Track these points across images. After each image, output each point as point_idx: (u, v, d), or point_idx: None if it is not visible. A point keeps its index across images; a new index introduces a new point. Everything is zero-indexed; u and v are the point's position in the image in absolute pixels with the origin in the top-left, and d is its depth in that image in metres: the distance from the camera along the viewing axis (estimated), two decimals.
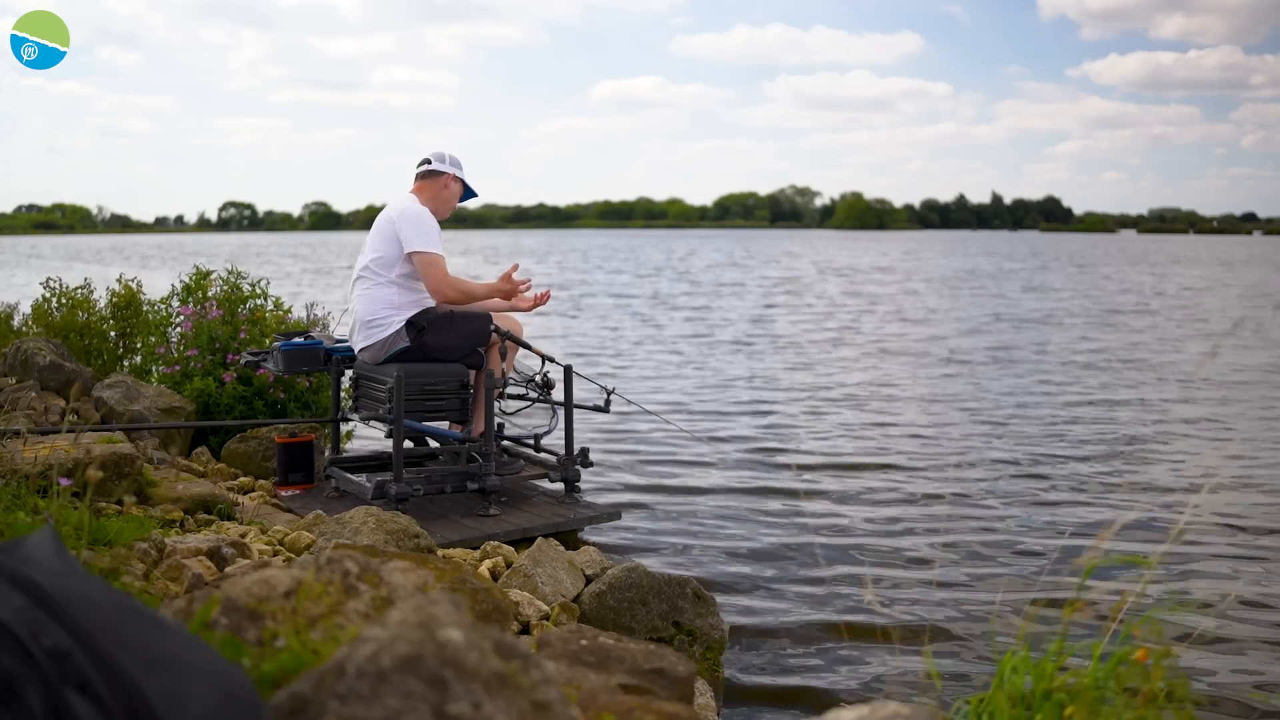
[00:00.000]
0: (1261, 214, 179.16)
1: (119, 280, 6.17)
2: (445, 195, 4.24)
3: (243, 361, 4.72)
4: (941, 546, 4.31)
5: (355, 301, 4.15)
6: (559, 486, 4.28)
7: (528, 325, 4.53)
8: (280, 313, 5.43)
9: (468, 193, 4.38)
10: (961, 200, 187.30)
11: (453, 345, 4.05)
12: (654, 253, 47.13)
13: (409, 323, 4.02)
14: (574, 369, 4.22)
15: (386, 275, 4.04)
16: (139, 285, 6.17)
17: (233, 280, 5.46)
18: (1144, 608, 3.16)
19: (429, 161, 4.24)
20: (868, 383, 9.01)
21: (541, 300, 4.44)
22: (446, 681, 0.95)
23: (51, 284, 6.23)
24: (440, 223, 4.26)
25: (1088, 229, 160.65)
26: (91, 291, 6.26)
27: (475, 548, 3.53)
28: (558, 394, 4.25)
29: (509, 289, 4.17)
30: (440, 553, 3.22)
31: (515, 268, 4.21)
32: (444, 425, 4.24)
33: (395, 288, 4.03)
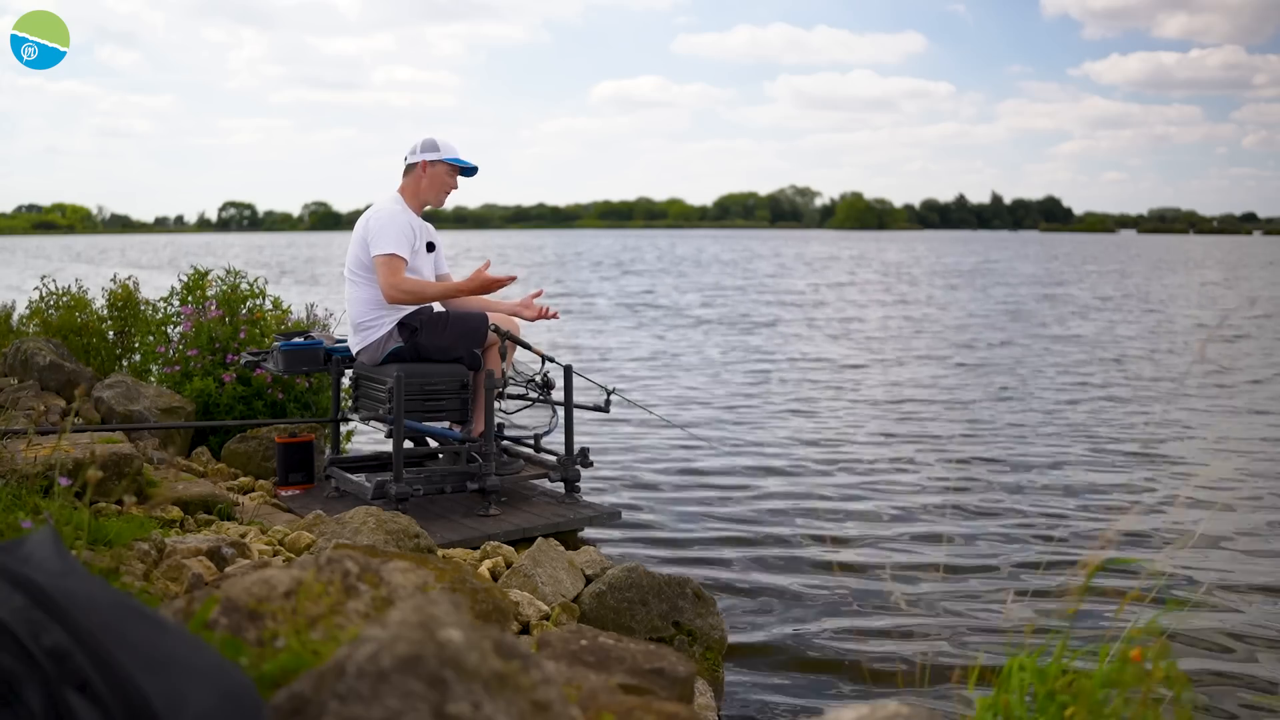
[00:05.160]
0: (1261, 214, 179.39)
1: (113, 279, 6.17)
2: (426, 183, 4.15)
3: (243, 361, 4.72)
4: (948, 546, 4.31)
5: (346, 303, 4.16)
6: (559, 486, 4.27)
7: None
8: (280, 312, 5.43)
9: (466, 170, 4.24)
10: (961, 200, 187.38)
11: (448, 345, 4.03)
12: (682, 255, 45.04)
13: (401, 324, 4.01)
14: (574, 369, 4.22)
15: (366, 277, 4.03)
16: (136, 284, 6.17)
17: (232, 281, 5.46)
18: (1146, 608, 3.15)
19: (407, 157, 4.21)
20: (914, 384, 9.01)
21: (546, 314, 4.28)
22: (446, 681, 0.95)
23: (47, 282, 6.24)
24: (438, 219, 4.24)
25: (1087, 229, 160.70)
26: (85, 291, 6.26)
27: (475, 548, 3.53)
28: (558, 394, 4.25)
29: (477, 286, 4.02)
30: (440, 553, 3.22)
31: (488, 264, 4.18)
32: (444, 425, 4.23)
33: (378, 289, 4.00)
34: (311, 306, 5.82)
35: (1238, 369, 9.92)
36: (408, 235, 3.98)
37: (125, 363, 6.05)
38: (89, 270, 24.40)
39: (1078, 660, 1.46)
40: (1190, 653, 3.21)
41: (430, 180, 4.16)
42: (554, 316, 4.33)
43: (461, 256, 41.69)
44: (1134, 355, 11.02)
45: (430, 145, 4.16)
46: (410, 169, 4.18)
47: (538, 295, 4.33)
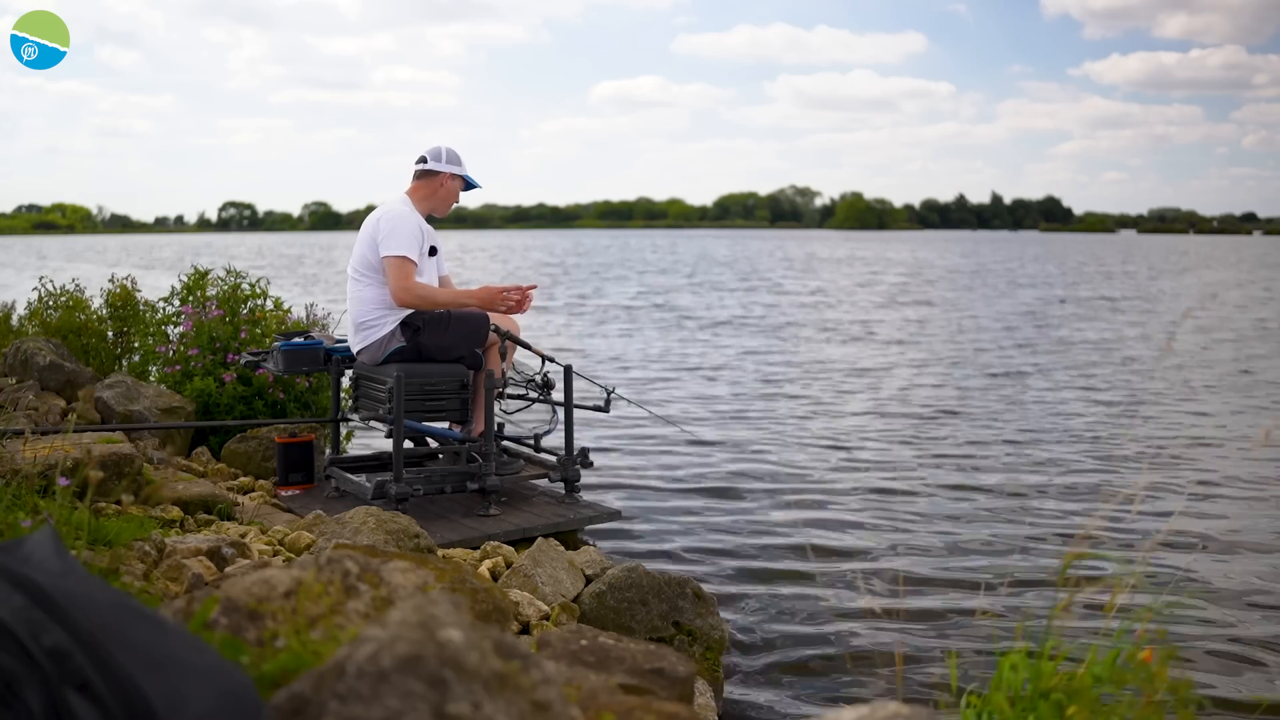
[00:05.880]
0: (1261, 214, 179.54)
1: (112, 279, 6.17)
2: (442, 194, 4.20)
3: (243, 361, 4.72)
4: (944, 545, 4.31)
5: (348, 302, 4.15)
6: (559, 486, 4.27)
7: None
8: (280, 312, 5.43)
9: (468, 184, 4.30)
10: (961, 200, 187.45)
11: (449, 345, 4.04)
12: (685, 255, 44.34)
13: (404, 323, 4.01)
14: (574, 369, 4.21)
15: (372, 276, 4.03)
16: (134, 284, 6.18)
17: (232, 281, 5.46)
18: (1137, 605, 3.16)
19: (425, 160, 4.21)
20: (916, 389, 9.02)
21: (528, 294, 4.20)
22: (446, 681, 0.95)
23: (45, 283, 6.24)
24: (439, 221, 4.23)
25: (1088, 229, 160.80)
26: (83, 292, 6.26)
27: (475, 548, 3.53)
28: (558, 394, 4.25)
29: (484, 299, 4.05)
30: (440, 553, 3.22)
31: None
32: (444, 425, 4.23)
33: (384, 289, 4.00)
34: (312, 306, 5.82)
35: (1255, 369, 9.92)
36: (418, 238, 3.99)
37: (125, 363, 6.06)
38: (89, 270, 24.40)
39: (1067, 659, 1.46)
40: (1186, 651, 3.21)
41: (446, 192, 4.21)
42: (533, 287, 4.29)
43: (466, 257, 41.64)
44: (1142, 358, 11.02)
45: (455, 158, 4.20)
46: (428, 175, 4.18)
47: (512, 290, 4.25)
